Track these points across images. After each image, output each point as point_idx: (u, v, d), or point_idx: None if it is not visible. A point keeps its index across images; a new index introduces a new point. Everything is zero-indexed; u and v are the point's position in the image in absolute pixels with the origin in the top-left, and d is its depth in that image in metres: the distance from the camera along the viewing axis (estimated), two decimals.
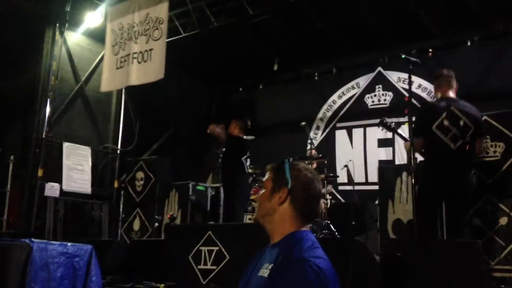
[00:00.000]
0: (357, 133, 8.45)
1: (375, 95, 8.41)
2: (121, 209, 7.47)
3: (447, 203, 3.88)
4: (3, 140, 8.83)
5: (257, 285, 1.67)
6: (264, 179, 1.87)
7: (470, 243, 3.38)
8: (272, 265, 1.65)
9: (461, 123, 3.91)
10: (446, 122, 3.92)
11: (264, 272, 1.66)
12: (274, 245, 1.76)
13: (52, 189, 7.32)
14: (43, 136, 7.47)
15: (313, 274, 1.54)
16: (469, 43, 7.38)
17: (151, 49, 6.19)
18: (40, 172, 7.31)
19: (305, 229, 1.76)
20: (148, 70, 6.18)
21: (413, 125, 3.92)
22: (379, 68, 8.38)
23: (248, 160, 6.00)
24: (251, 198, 6.27)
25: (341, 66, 8.87)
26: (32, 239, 3.60)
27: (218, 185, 7.33)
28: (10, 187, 7.61)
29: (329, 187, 6.72)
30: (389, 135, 6.96)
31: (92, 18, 7.75)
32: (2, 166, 7.59)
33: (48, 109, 7.59)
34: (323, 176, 6.27)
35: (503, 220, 4.27)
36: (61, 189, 7.43)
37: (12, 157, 7.69)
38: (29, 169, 7.44)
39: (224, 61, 9.13)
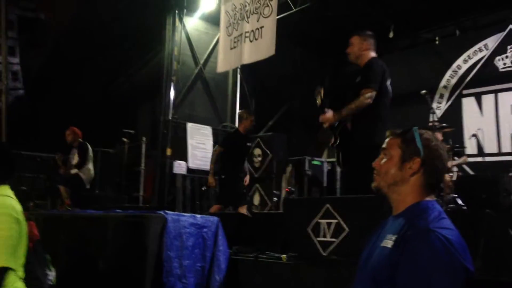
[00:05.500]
0: (487, 99, 7.71)
1: (507, 57, 7.57)
2: None
3: None
4: (135, 123, 9.75)
5: (380, 256, 1.62)
6: (385, 145, 1.77)
7: None
8: (396, 235, 1.59)
9: None
10: None
11: (388, 242, 1.61)
12: (397, 216, 1.70)
13: (179, 167, 7.90)
14: (170, 118, 8.05)
15: (441, 245, 1.47)
16: None
17: (262, 27, 6.26)
18: (168, 151, 7.92)
19: (430, 199, 1.67)
20: (259, 48, 6.26)
21: None
22: (511, 26, 7.51)
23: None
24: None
25: (465, 27, 8.11)
26: (166, 211, 3.87)
27: (333, 159, 7.25)
28: (143, 166, 8.41)
29: (464, 158, 6.21)
30: None
31: (207, 3, 8.07)
32: (135, 147, 8.40)
33: (172, 93, 8.14)
34: (448, 147, 5.85)
35: None
36: (187, 167, 7.98)
37: (144, 138, 8.47)
38: (158, 148, 8.10)
39: (336, 32, 8.87)
